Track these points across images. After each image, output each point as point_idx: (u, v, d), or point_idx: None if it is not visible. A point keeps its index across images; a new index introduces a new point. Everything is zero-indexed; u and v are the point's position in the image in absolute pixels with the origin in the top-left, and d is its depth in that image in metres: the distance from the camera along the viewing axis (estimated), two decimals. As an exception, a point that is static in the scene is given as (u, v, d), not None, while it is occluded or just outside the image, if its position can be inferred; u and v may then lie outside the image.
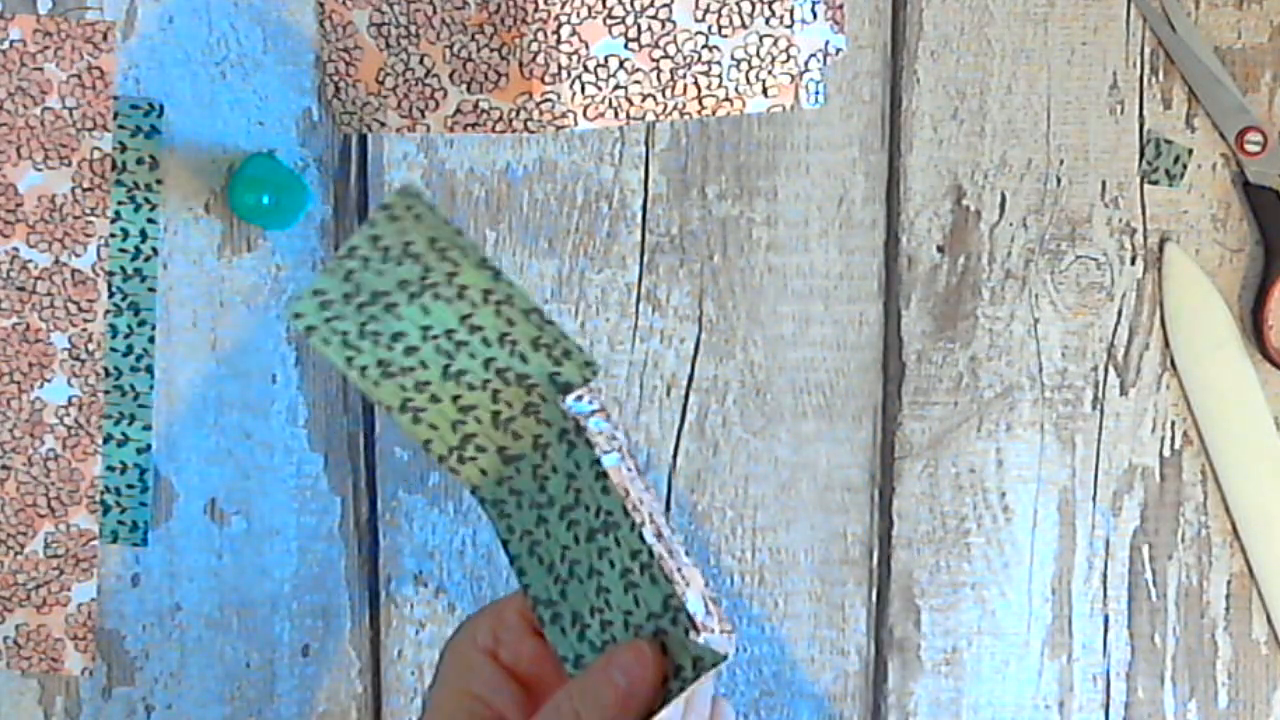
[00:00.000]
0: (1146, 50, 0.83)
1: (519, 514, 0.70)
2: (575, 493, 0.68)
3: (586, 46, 0.82)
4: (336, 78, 0.83)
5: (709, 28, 0.82)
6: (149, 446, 0.84)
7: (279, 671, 0.85)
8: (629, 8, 0.82)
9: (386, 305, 0.69)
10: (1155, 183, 0.83)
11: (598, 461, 0.67)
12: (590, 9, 0.81)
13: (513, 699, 0.69)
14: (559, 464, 0.69)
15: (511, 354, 0.69)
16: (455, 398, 0.70)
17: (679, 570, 0.66)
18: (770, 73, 0.82)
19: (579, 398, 0.69)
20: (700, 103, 0.82)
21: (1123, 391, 0.84)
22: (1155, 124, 0.83)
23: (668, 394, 0.84)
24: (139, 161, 0.83)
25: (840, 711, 0.85)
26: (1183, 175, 0.83)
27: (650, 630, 0.66)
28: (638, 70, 0.82)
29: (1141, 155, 0.83)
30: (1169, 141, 0.83)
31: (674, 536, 0.67)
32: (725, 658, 0.64)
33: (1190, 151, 0.83)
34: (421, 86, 0.82)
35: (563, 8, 0.81)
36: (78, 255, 0.83)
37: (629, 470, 0.68)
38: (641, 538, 0.66)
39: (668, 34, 0.82)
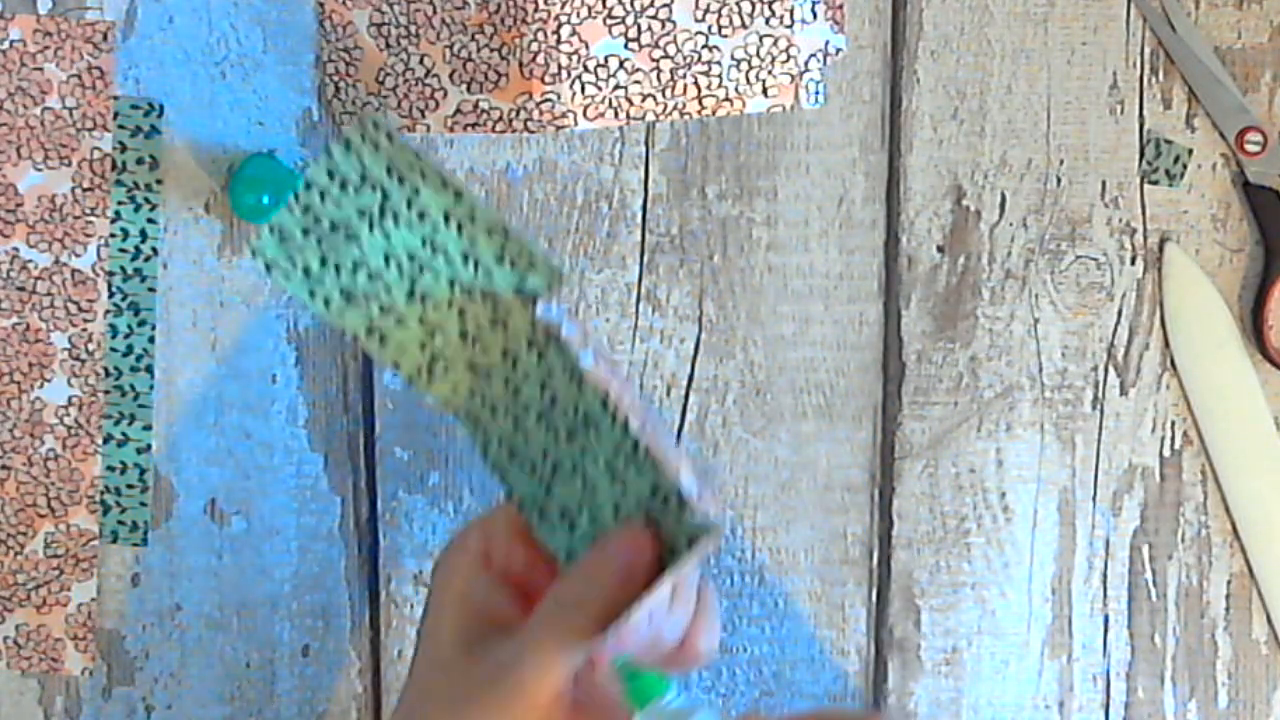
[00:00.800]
0: (1146, 50, 0.83)
1: (494, 424, 0.70)
2: (550, 397, 0.68)
3: (586, 46, 0.82)
4: (336, 78, 0.83)
5: (709, 28, 0.82)
6: (149, 446, 0.84)
7: (279, 671, 0.85)
8: (629, 8, 0.82)
9: (347, 235, 0.69)
10: (1155, 183, 0.83)
11: (573, 363, 0.67)
12: (590, 9, 0.81)
13: (510, 602, 0.69)
14: (530, 371, 0.69)
15: (476, 271, 0.69)
16: (421, 319, 0.70)
17: (667, 454, 0.66)
18: (770, 73, 0.82)
19: (547, 305, 0.69)
20: (700, 103, 0.82)
21: (1123, 391, 0.84)
22: (1155, 124, 0.83)
23: (668, 394, 0.84)
24: (139, 161, 0.83)
25: (840, 711, 0.85)
26: (1183, 175, 0.83)
27: (642, 517, 0.66)
28: (638, 70, 0.82)
29: (1141, 155, 0.83)
30: (1169, 141, 0.83)
31: (659, 425, 0.67)
32: (719, 530, 0.64)
33: (1190, 151, 0.83)
34: (421, 86, 0.82)
35: (563, 8, 0.81)
36: (78, 255, 0.83)
37: (605, 366, 0.68)
38: (626, 430, 0.66)
39: (668, 34, 0.82)
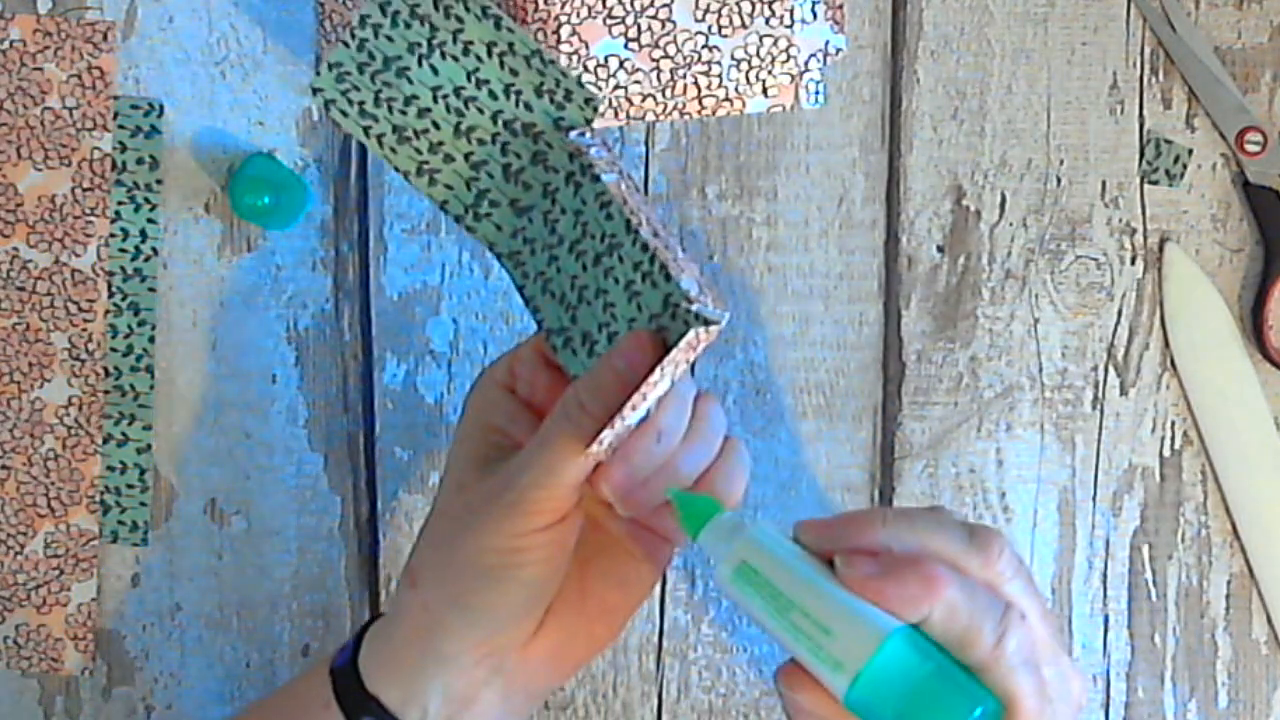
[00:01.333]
0: (1146, 50, 0.83)
1: (532, 260, 0.72)
2: (582, 227, 0.70)
3: (586, 46, 0.82)
4: (336, 78, 0.83)
5: (709, 28, 0.82)
6: (149, 446, 0.84)
7: (279, 671, 0.85)
8: (629, 8, 0.82)
9: (399, 70, 0.72)
10: (1155, 183, 0.83)
11: (602, 192, 0.69)
12: (590, 9, 0.81)
13: (529, 426, 0.70)
14: (567, 205, 0.71)
15: (517, 104, 0.72)
16: (467, 155, 0.73)
17: (674, 261, 0.67)
18: (770, 73, 0.82)
19: (581, 133, 0.71)
20: (700, 103, 0.83)
21: (1123, 391, 0.84)
22: (1155, 124, 0.83)
23: (668, 394, 0.84)
24: (139, 161, 0.83)
25: (840, 711, 0.85)
26: (1183, 175, 0.83)
27: (653, 329, 0.67)
28: (638, 70, 0.82)
29: (1141, 155, 0.83)
30: (1169, 141, 0.83)
31: (672, 240, 0.69)
32: (715, 322, 0.65)
33: (1190, 151, 0.83)
34: (421, 86, 0.82)
35: (563, 8, 0.81)
36: (78, 255, 0.83)
37: (626, 186, 0.70)
38: (644, 247, 0.67)
39: (668, 34, 0.82)
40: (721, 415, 0.69)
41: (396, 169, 0.73)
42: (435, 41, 0.72)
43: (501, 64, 0.72)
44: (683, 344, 0.65)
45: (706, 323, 0.65)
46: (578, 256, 0.70)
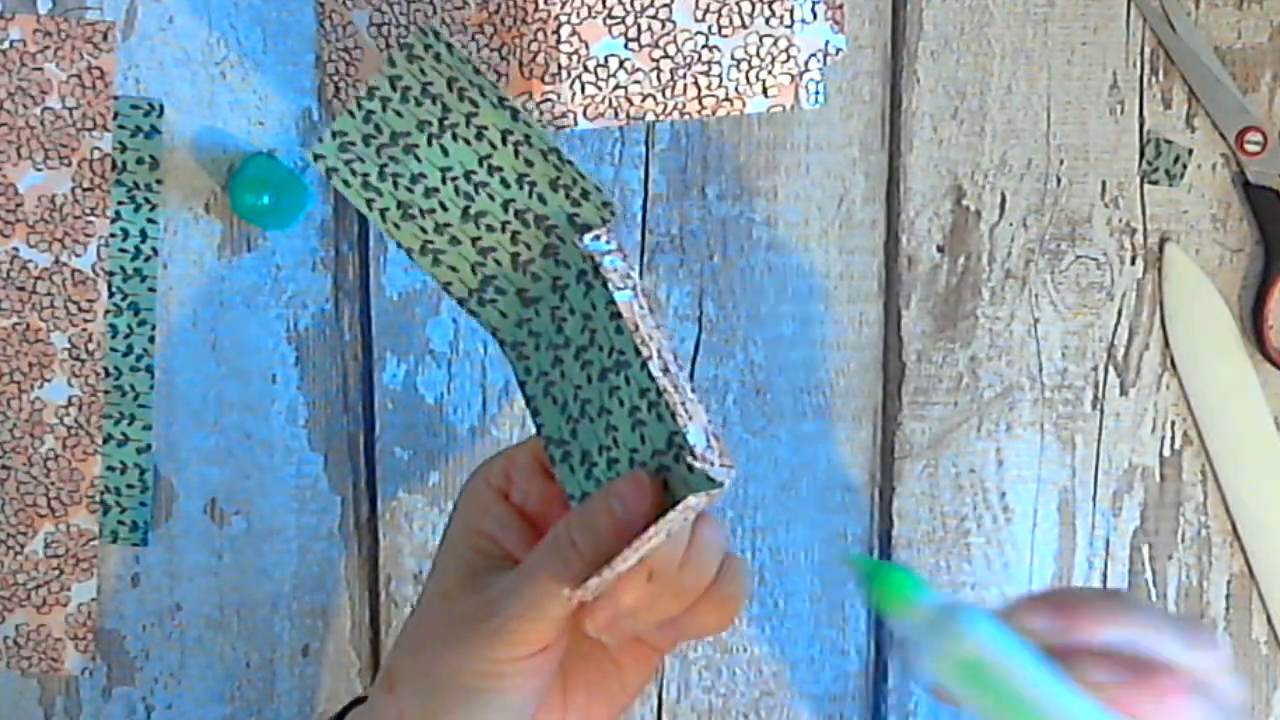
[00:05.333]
0: (1146, 50, 0.83)
1: (536, 355, 0.70)
2: (590, 333, 0.68)
3: (586, 46, 0.82)
4: (336, 78, 0.83)
5: (709, 28, 0.82)
6: (149, 446, 0.84)
7: (279, 671, 0.85)
8: (629, 8, 0.82)
9: (406, 146, 0.70)
10: (1155, 183, 0.84)
11: (612, 300, 0.67)
12: (590, 9, 0.81)
13: (520, 536, 0.69)
14: (576, 305, 0.69)
15: (530, 195, 0.69)
16: (475, 240, 0.70)
17: (684, 404, 0.66)
18: (770, 73, 0.82)
19: (596, 237, 0.69)
20: (700, 103, 0.83)
21: (1123, 391, 0.84)
22: (1155, 124, 0.83)
23: (668, 394, 0.84)
24: (139, 161, 0.83)
25: (840, 711, 0.85)
26: (1183, 175, 0.83)
27: (654, 467, 0.66)
28: (638, 70, 0.82)
29: (1141, 155, 0.84)
30: (1169, 141, 0.83)
31: (681, 374, 0.67)
32: (722, 487, 0.64)
33: (1190, 151, 0.83)
34: (421, 86, 0.82)
35: (563, 8, 0.81)
36: (78, 255, 0.83)
37: (641, 308, 0.68)
38: (650, 375, 0.66)
39: (668, 34, 0.82)
40: (720, 539, 0.67)
41: (399, 245, 0.71)
42: (447, 122, 0.69)
43: (516, 153, 0.69)
44: (680, 506, 0.63)
45: (710, 482, 0.64)
46: (583, 366, 0.68)
